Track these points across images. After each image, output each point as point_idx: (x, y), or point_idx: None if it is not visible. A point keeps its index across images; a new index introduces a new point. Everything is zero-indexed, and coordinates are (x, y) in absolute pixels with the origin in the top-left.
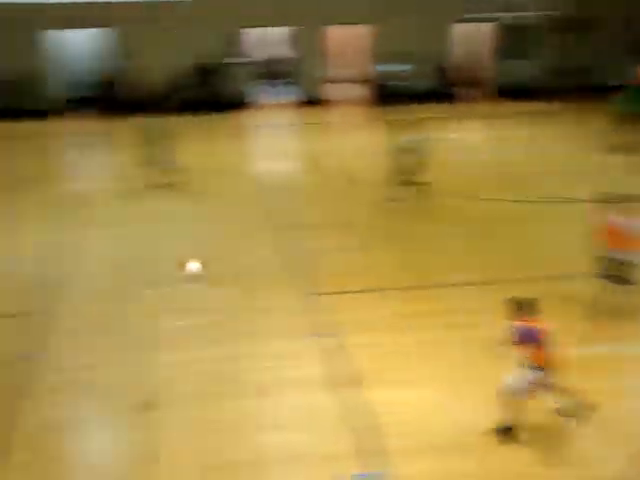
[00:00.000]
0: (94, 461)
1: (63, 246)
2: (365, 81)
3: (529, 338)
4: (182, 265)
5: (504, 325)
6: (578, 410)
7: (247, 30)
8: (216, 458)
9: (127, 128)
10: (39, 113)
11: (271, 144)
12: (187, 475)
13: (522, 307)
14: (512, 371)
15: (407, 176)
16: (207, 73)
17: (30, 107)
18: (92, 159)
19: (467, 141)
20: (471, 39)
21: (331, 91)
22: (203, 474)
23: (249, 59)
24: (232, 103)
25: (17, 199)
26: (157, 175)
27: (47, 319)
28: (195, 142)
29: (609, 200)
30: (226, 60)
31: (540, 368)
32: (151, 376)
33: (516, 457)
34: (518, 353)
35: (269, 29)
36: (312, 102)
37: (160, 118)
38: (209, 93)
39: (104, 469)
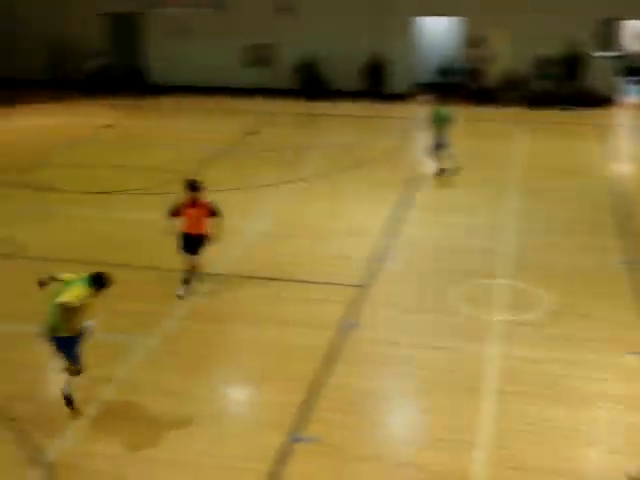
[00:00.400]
0: (392, 438)
1: (389, 224)
2: None
3: None
4: None
5: None
6: None
7: (620, 21)
8: (527, 460)
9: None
10: (393, 96)
11: (623, 146)
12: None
13: None
14: None
15: None
16: (572, 65)
17: (388, 90)
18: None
19: None
20: None
21: None
22: (516, 475)
23: (619, 53)
24: (595, 99)
25: (353, 177)
26: (448, 164)
27: (366, 291)
28: (542, 137)
29: None
30: (595, 52)
31: None
32: (466, 364)
33: None
34: None
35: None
36: None
37: (451, 106)
38: (571, 86)
39: (402, 451)
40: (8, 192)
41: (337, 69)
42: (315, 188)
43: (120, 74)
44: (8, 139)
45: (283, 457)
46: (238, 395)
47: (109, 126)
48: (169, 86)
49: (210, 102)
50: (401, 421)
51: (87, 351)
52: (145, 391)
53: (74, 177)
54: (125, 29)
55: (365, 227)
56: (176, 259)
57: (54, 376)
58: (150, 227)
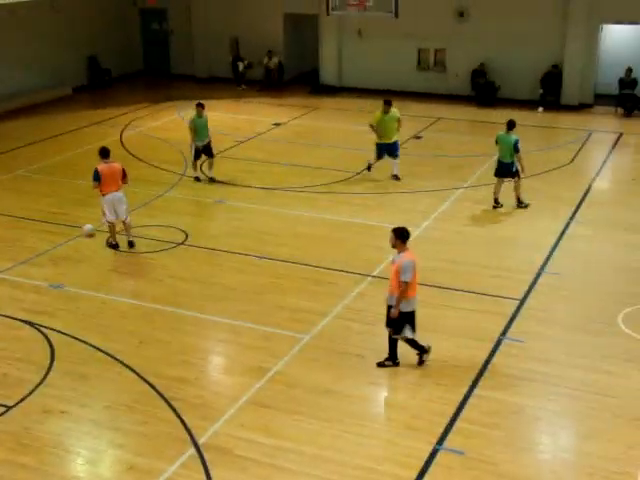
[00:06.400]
0: (545, 462)
1: (557, 239)
2: None
3: None
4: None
5: None
6: None
7: None
8: None
9: None
10: (570, 107)
11: None
12: None
13: None
14: None
15: None
16: None
17: (564, 100)
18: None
19: None
20: None
21: None
22: None
23: None
24: None
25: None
26: None
27: (528, 306)
28: None
29: None
30: None
31: None
32: (631, 393)
33: None
34: None
35: None
36: None
37: None
38: None
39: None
40: (187, 182)
41: (511, 77)
42: (476, 196)
43: (294, 74)
44: (184, 134)
45: (427, 466)
46: (389, 398)
47: (278, 124)
48: (341, 87)
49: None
50: (551, 444)
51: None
52: (297, 385)
53: (242, 171)
54: (300, 30)
55: (530, 240)
56: (333, 257)
57: (219, 361)
58: (311, 223)
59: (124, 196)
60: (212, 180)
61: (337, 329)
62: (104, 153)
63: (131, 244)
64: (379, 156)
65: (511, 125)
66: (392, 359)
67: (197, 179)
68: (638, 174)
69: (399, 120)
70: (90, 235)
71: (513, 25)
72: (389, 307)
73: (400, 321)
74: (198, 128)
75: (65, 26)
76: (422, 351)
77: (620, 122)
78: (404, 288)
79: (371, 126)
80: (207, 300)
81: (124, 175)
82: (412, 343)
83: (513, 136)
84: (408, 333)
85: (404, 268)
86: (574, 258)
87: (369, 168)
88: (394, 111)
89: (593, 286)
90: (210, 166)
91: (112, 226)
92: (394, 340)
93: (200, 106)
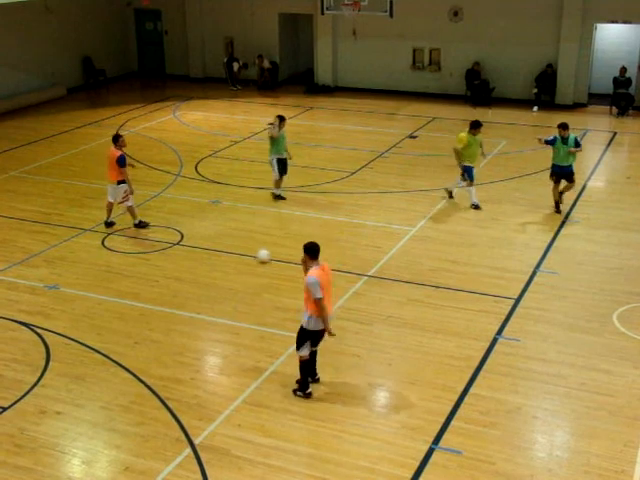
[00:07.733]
0: (540, 460)
1: (549, 238)
2: None
3: None
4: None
5: None
6: None
7: None
8: None
9: None
10: (565, 106)
11: None
12: None
13: None
14: None
15: None
16: None
17: (559, 99)
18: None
19: None
20: None
21: None
22: None
23: None
24: None
25: (509, 187)
26: None
27: (523, 305)
28: None
29: None
30: None
31: None
32: (628, 390)
33: None
34: None
35: None
36: None
37: None
38: None
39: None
40: (182, 183)
41: (505, 76)
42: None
43: (289, 74)
44: (179, 134)
45: (423, 465)
46: (386, 397)
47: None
48: (336, 87)
49: (376, 104)
50: (548, 442)
51: (239, 347)
52: (293, 385)
53: (237, 171)
54: (295, 29)
55: (525, 239)
56: (328, 257)
57: (214, 362)
58: (307, 223)
59: (117, 188)
60: (281, 198)
61: (333, 329)
62: (113, 139)
63: (107, 224)
64: (472, 177)
65: (565, 126)
66: (311, 375)
67: (280, 197)
68: (632, 173)
69: (482, 145)
70: (263, 262)
71: (508, 25)
72: (300, 327)
73: (303, 338)
74: (279, 140)
75: (59, 27)
76: (304, 385)
77: (614, 121)
78: (320, 304)
79: (455, 150)
80: (202, 300)
81: (119, 163)
82: (305, 366)
83: (571, 135)
84: (305, 352)
85: (309, 286)
86: (569, 257)
87: (450, 195)
88: (480, 135)
89: (588, 285)
90: (280, 183)
91: (109, 206)
92: (313, 354)
93: (282, 119)
